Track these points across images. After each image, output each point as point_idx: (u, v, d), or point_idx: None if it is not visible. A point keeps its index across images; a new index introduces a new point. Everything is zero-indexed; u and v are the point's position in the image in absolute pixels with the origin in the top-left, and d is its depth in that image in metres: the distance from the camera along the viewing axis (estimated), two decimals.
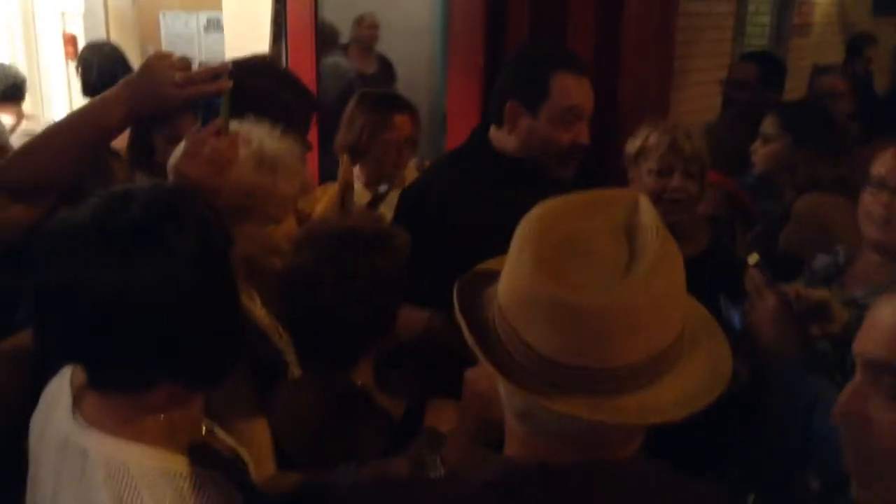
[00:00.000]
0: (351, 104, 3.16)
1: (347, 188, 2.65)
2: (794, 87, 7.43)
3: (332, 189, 2.63)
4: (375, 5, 3.98)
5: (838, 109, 3.74)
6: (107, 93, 1.70)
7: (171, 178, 1.52)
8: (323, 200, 2.55)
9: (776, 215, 2.88)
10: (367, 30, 4.50)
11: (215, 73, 1.67)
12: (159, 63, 1.68)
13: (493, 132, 2.18)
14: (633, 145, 2.35)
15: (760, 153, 3.05)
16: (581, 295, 0.97)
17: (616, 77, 4.65)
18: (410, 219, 1.99)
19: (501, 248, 1.08)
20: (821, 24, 8.27)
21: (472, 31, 3.14)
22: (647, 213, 1.04)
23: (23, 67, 5.47)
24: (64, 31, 5.49)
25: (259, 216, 1.62)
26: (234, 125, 1.59)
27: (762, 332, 1.74)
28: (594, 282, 0.98)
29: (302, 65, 4.02)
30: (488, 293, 1.10)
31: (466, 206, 2.06)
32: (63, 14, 5.60)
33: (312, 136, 4.26)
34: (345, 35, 4.63)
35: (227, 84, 1.63)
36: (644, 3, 4.77)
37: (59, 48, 5.66)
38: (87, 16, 5.54)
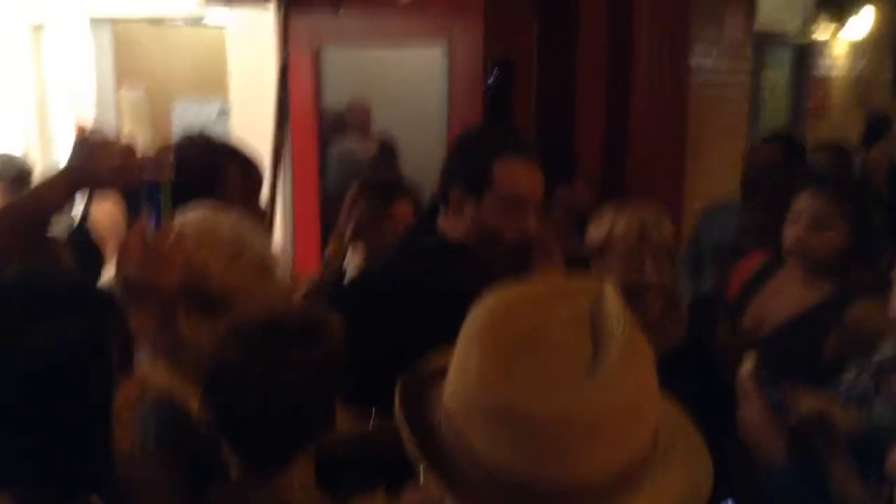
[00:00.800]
0: (351, 191, 3.10)
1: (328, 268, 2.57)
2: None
3: (310, 277, 2.54)
4: (379, 90, 3.96)
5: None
6: (49, 176, 1.73)
7: (115, 282, 1.49)
8: (300, 288, 2.46)
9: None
10: (358, 115, 4.45)
11: (157, 161, 1.63)
12: (101, 148, 1.65)
13: (441, 219, 2.07)
14: (596, 234, 2.17)
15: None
16: (536, 400, 0.84)
17: (624, 160, 4.62)
18: (353, 310, 1.85)
19: (448, 339, 0.96)
20: (839, 106, 8.22)
21: (471, 116, 3.08)
22: (614, 304, 0.92)
23: (37, 155, 5.53)
24: (76, 121, 5.53)
25: (235, 291, 1.57)
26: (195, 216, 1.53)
27: (748, 438, 1.64)
28: (551, 384, 0.86)
29: (305, 150, 3.99)
30: (434, 394, 0.98)
31: (411, 296, 1.94)
32: (75, 105, 5.65)
33: (315, 223, 4.23)
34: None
35: (168, 174, 1.58)
36: (654, 86, 4.76)
37: (72, 137, 5.70)
38: (98, 107, 5.59)
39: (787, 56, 7.21)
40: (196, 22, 5.56)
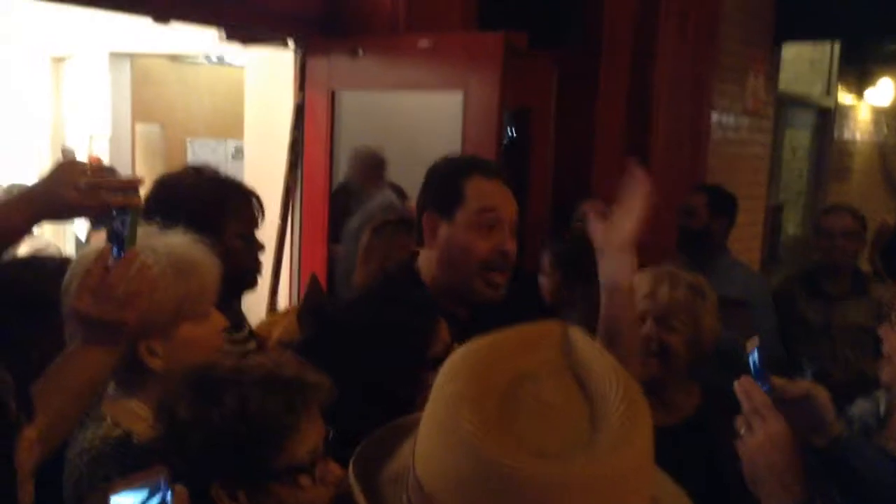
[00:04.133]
0: (364, 238, 3.02)
1: None
2: None
3: (292, 312, 2.46)
4: (394, 134, 3.91)
5: (848, 249, 3.57)
6: (11, 197, 1.61)
7: (68, 319, 1.39)
8: (281, 324, 2.38)
9: None
10: (360, 164, 4.38)
11: (125, 185, 1.53)
12: (67, 168, 1.54)
13: (420, 258, 2.00)
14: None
15: None
16: (542, 465, 0.75)
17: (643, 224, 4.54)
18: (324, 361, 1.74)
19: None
20: (860, 170, 8.14)
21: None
22: (589, 351, 0.84)
23: None
24: (90, 153, 5.52)
25: (192, 317, 1.53)
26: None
27: (758, 468, 1.41)
28: (553, 448, 0.77)
29: (315, 192, 3.93)
30: (395, 465, 0.88)
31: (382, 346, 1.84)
32: (91, 137, 5.65)
33: (322, 265, 4.16)
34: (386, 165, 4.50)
35: (136, 201, 1.48)
36: (673, 139, 4.71)
37: None
38: (114, 140, 5.58)
39: (810, 119, 7.16)
40: (218, 60, 5.57)
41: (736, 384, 1.47)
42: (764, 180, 6.05)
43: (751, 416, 1.44)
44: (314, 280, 2.85)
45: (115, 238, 1.44)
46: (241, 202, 2.08)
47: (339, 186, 4.07)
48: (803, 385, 1.52)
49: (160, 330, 1.48)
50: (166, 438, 1.29)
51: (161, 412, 1.31)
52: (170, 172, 2.24)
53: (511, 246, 1.91)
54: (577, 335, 0.86)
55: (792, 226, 7.23)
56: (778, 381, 1.50)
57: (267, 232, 4.16)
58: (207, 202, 1.98)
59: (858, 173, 8.10)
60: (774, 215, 6.52)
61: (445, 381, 0.84)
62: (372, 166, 4.07)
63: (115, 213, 1.46)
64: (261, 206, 2.16)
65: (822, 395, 1.50)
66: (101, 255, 1.39)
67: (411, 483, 0.83)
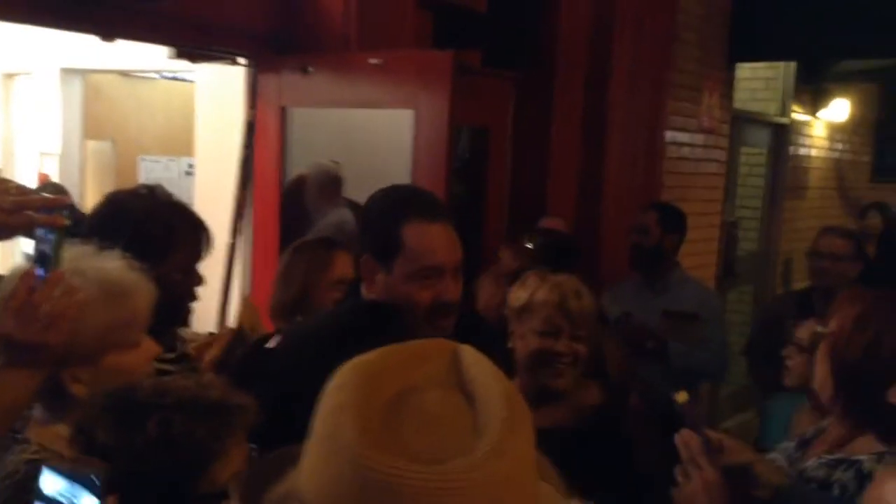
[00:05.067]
0: (285, 258, 2.94)
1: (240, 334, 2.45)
2: (790, 248, 7.34)
3: (225, 335, 2.41)
4: (345, 151, 3.87)
5: (841, 271, 3.59)
6: None
7: None
8: (216, 346, 2.33)
9: None
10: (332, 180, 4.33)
11: (51, 204, 1.48)
12: None
13: (364, 289, 1.95)
14: (517, 298, 2.15)
15: None
16: (424, 471, 0.75)
17: (597, 229, 4.57)
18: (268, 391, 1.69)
19: None
20: (817, 186, 8.24)
21: (436, 182, 2.99)
22: (478, 364, 0.85)
23: None
24: (40, 171, 5.42)
25: (120, 345, 1.49)
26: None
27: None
28: (435, 454, 0.77)
29: (266, 210, 3.88)
30: (282, 486, 0.86)
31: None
32: (41, 155, 5.54)
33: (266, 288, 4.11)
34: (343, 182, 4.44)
35: (62, 220, 1.43)
36: (628, 157, 4.74)
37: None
38: (64, 158, 5.47)
39: (765, 136, 7.23)
40: (171, 76, 5.50)
41: (676, 436, 1.57)
42: (720, 197, 6.09)
43: (688, 465, 1.54)
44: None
45: (40, 258, 1.40)
46: (191, 234, 2.01)
47: (292, 200, 4.01)
48: (745, 457, 1.57)
49: (85, 357, 1.44)
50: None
51: (79, 436, 1.27)
52: (121, 190, 2.16)
53: (453, 294, 1.84)
54: (467, 351, 0.87)
55: (748, 242, 7.29)
56: (713, 436, 1.58)
57: (217, 250, 4.11)
58: (156, 228, 1.92)
59: (814, 189, 8.20)
60: (730, 231, 6.56)
61: (331, 393, 0.82)
62: (327, 184, 4.03)
63: (41, 233, 1.42)
64: (209, 239, 2.11)
65: (761, 466, 1.57)
66: (25, 276, 1.36)
67: (294, 500, 0.82)
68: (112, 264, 1.53)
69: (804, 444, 1.85)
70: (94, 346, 1.45)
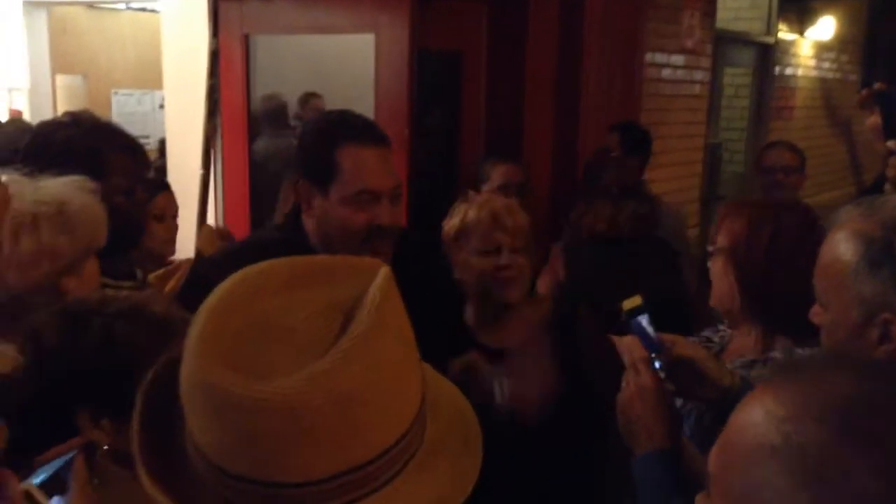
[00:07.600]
0: (285, 186, 2.96)
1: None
2: None
3: (184, 264, 2.40)
4: (309, 77, 3.81)
5: (789, 183, 3.63)
6: None
7: None
8: (176, 276, 2.32)
9: None
10: (311, 112, 4.30)
11: None
12: None
13: (303, 214, 1.93)
14: (450, 225, 2.12)
15: None
16: (242, 383, 0.74)
17: (575, 154, 4.52)
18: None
19: None
20: (803, 106, 8.15)
21: (398, 106, 2.94)
22: (381, 287, 0.81)
23: None
24: (10, 107, 5.32)
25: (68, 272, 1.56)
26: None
27: (627, 418, 1.46)
28: (269, 369, 0.75)
29: (235, 139, 3.84)
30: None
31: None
32: (10, 90, 5.44)
33: (245, 214, 4.08)
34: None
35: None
36: (605, 80, 4.65)
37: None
38: (33, 92, 5.37)
39: (750, 56, 7.12)
40: (139, 7, 5.37)
41: (617, 341, 1.51)
42: (702, 119, 6.01)
43: (629, 371, 1.49)
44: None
45: None
46: (121, 155, 1.98)
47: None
48: (693, 352, 1.54)
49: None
50: (31, 366, 1.32)
51: (27, 340, 1.34)
52: (46, 121, 2.14)
53: (389, 218, 1.82)
54: (385, 277, 0.84)
55: (734, 164, 7.23)
56: (668, 338, 1.53)
57: (191, 180, 4.08)
58: (80, 154, 1.88)
59: (801, 109, 8.10)
60: (713, 153, 6.51)
61: (211, 296, 0.83)
62: (272, 109, 4.00)
63: None
64: (145, 157, 2.08)
65: (701, 356, 1.54)
66: None
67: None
68: (54, 186, 1.55)
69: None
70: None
